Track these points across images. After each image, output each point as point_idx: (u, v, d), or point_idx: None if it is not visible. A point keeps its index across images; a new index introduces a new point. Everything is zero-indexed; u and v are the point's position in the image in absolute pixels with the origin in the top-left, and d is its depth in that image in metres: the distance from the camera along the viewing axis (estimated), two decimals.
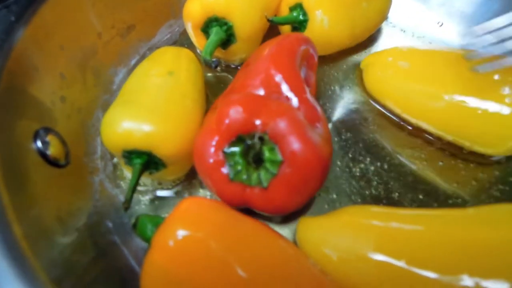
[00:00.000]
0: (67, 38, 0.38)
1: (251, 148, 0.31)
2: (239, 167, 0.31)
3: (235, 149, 0.31)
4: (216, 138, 0.30)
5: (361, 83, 0.46)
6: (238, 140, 0.31)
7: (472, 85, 0.37)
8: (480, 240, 0.29)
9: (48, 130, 0.33)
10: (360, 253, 0.30)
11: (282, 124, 0.29)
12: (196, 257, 0.26)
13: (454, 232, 0.30)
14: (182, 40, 0.49)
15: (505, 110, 0.36)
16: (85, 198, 0.34)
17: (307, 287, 0.27)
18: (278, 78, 0.33)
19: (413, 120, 0.42)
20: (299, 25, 0.45)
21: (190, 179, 0.38)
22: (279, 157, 0.30)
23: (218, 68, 0.47)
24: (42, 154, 0.32)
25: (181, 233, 0.26)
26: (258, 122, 0.30)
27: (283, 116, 0.29)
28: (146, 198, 0.37)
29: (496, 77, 0.37)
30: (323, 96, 0.46)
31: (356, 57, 0.49)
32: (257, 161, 0.31)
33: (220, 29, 0.41)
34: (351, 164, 0.40)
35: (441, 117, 0.39)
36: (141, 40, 0.46)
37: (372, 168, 0.40)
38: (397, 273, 0.29)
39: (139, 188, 0.37)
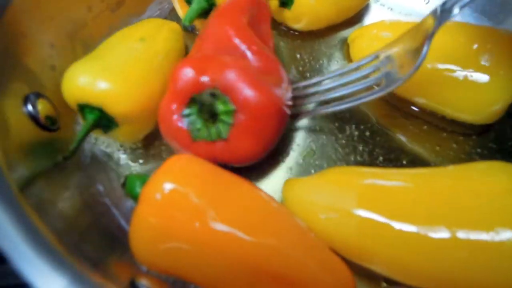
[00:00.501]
0: (57, 9, 0.38)
1: (206, 106, 0.32)
2: (198, 126, 0.33)
3: (192, 110, 0.32)
4: (173, 102, 0.32)
5: (348, 57, 0.47)
6: (193, 100, 0.32)
7: (453, 54, 0.38)
8: (459, 194, 0.30)
9: (38, 95, 0.34)
10: (344, 209, 0.31)
11: (230, 76, 0.31)
12: (182, 209, 0.27)
13: (434, 187, 0.31)
14: (172, 17, 0.50)
15: (484, 78, 0.37)
16: (76, 162, 0.35)
17: (291, 238, 0.28)
18: (227, 35, 0.34)
19: (397, 91, 0.43)
20: (286, 0, 0.46)
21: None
22: (231, 106, 0.31)
23: None
24: (33, 117, 0.32)
25: (167, 186, 0.27)
26: (206, 78, 0.31)
27: (230, 68, 0.31)
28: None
29: (475, 46, 0.38)
30: (312, 69, 0.46)
31: (344, 33, 0.50)
32: (214, 116, 0.32)
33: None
34: (336, 132, 0.41)
35: (423, 85, 0.40)
36: (131, 16, 0.47)
37: (357, 135, 0.41)
38: (377, 227, 0.30)
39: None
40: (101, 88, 0.33)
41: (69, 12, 0.40)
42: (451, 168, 0.33)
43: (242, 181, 0.30)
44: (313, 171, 0.39)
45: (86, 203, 0.32)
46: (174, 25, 0.43)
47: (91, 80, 0.33)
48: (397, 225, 0.29)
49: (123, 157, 0.38)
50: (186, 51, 0.44)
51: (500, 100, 0.38)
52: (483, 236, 0.28)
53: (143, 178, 0.30)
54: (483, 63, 0.37)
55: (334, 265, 0.30)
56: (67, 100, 0.35)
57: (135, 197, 0.30)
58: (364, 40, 0.45)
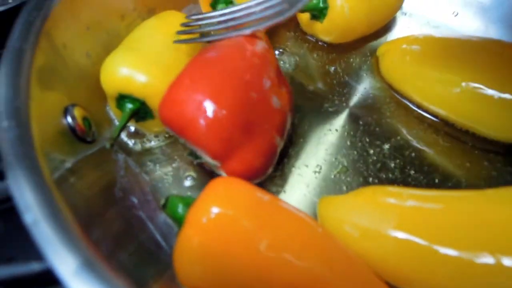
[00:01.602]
0: (92, 19, 0.38)
1: None
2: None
3: None
4: None
5: (377, 70, 0.47)
6: None
7: (488, 72, 0.38)
8: (499, 219, 0.30)
9: (75, 107, 0.34)
10: (381, 231, 0.31)
11: None
12: (228, 234, 0.27)
13: (473, 211, 0.31)
14: None
15: None
16: (111, 174, 0.35)
17: (337, 263, 0.28)
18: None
19: (428, 106, 0.43)
20: (319, 13, 0.45)
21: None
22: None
23: None
24: (72, 129, 0.32)
25: (214, 210, 0.27)
26: None
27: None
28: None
29: (506, 69, 0.38)
30: (340, 82, 0.46)
31: (372, 45, 0.50)
32: None
33: (224, 6, 0.42)
34: (368, 148, 0.41)
35: (457, 103, 0.40)
36: None
37: (389, 152, 0.41)
38: (418, 251, 0.30)
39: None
40: (145, 81, 0.34)
41: (103, 22, 0.40)
42: (490, 191, 0.32)
43: (287, 205, 0.30)
44: (345, 188, 0.39)
45: (123, 216, 0.33)
46: None
47: (135, 71, 0.34)
48: (438, 249, 0.29)
49: (154, 167, 0.38)
50: None
51: None
52: None
53: (185, 200, 0.30)
54: None
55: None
56: (105, 89, 0.36)
57: (177, 219, 0.30)
58: (395, 55, 0.44)
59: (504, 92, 0.38)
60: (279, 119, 0.35)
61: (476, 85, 0.39)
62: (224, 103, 0.30)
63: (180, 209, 0.29)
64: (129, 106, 0.35)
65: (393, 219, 0.31)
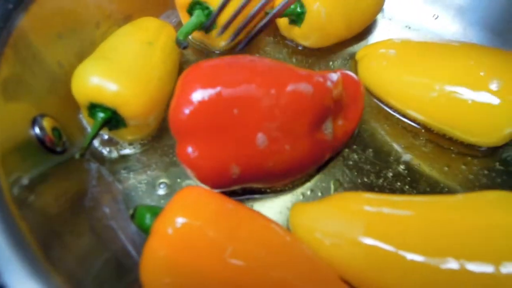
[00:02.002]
0: (65, 27, 0.38)
1: None
2: None
3: None
4: None
5: (356, 73, 0.47)
6: None
7: (463, 76, 0.38)
8: (467, 225, 0.30)
9: (45, 117, 0.34)
10: (351, 237, 0.31)
11: None
12: (194, 244, 0.27)
13: (442, 217, 0.31)
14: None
15: (494, 101, 0.37)
16: (82, 184, 0.35)
17: (304, 272, 0.28)
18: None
19: (406, 111, 0.43)
20: (296, 18, 0.45)
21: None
22: None
23: (204, 53, 0.48)
24: (40, 140, 0.32)
25: (180, 221, 0.27)
26: None
27: None
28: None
29: (485, 69, 0.38)
30: None
31: (351, 49, 0.50)
32: None
33: (201, 12, 0.42)
34: (345, 153, 0.41)
35: (433, 107, 0.40)
36: None
37: (364, 157, 0.41)
38: (385, 257, 0.30)
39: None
40: (116, 90, 0.34)
41: (77, 30, 0.39)
42: (460, 197, 0.32)
43: (254, 214, 0.30)
44: (320, 194, 0.39)
45: (93, 228, 0.32)
46: (171, 30, 0.44)
47: (105, 80, 0.34)
48: (406, 255, 0.29)
49: (128, 176, 0.38)
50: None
51: (510, 124, 0.38)
52: (492, 269, 0.28)
53: (153, 210, 0.30)
54: (492, 87, 0.37)
55: None
56: (77, 98, 0.36)
57: (144, 229, 0.29)
58: (373, 59, 0.44)
59: (479, 97, 0.38)
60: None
61: (452, 89, 0.38)
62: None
63: (148, 219, 0.29)
64: (101, 115, 0.35)
65: (362, 225, 0.31)
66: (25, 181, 0.29)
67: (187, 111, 0.31)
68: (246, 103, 0.32)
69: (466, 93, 0.38)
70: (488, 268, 0.28)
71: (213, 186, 0.33)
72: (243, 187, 0.36)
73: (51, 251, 0.25)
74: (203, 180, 0.33)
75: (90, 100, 0.35)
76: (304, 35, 0.47)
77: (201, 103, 0.31)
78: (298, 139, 0.34)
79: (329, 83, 0.35)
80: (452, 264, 0.28)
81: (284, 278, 0.27)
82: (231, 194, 0.34)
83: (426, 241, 0.29)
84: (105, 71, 0.35)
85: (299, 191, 0.39)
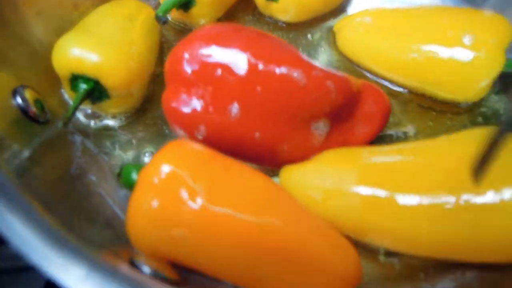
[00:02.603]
0: (44, 5, 0.38)
1: None
2: None
3: None
4: None
5: (335, 46, 0.48)
6: None
7: (436, 35, 0.39)
8: (455, 161, 0.30)
9: (27, 88, 0.34)
10: (343, 189, 0.31)
11: None
12: (180, 192, 0.26)
13: (430, 157, 0.31)
14: None
15: (467, 56, 0.38)
16: (68, 156, 0.35)
17: (291, 216, 0.28)
18: None
19: (386, 75, 0.44)
20: None
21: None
22: None
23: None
24: (23, 110, 0.32)
25: (165, 169, 0.27)
26: None
27: None
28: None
29: (457, 26, 0.39)
30: None
31: (330, 23, 0.50)
32: None
33: None
34: None
35: (412, 68, 0.41)
36: None
37: None
38: (382, 202, 0.30)
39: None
40: (98, 60, 0.34)
41: (55, 9, 0.40)
42: (444, 137, 0.33)
43: (240, 164, 0.30)
44: None
45: (81, 193, 0.32)
46: (151, 11, 0.44)
47: (87, 51, 0.34)
48: (400, 197, 0.30)
49: (113, 148, 0.38)
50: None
51: (484, 78, 0.39)
52: (486, 198, 0.28)
53: (139, 167, 0.30)
54: (465, 42, 0.38)
55: (337, 240, 0.29)
56: (58, 70, 0.35)
57: (131, 186, 0.29)
58: (350, 28, 0.45)
59: (454, 53, 0.39)
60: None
61: (428, 48, 0.40)
62: None
63: (134, 175, 0.29)
64: (83, 86, 0.35)
65: (355, 175, 0.31)
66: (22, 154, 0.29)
67: (178, 60, 0.32)
68: (231, 69, 0.32)
69: (442, 51, 0.39)
70: (484, 198, 0.28)
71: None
72: None
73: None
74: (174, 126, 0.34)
75: (71, 71, 0.35)
76: (282, 10, 0.47)
77: (193, 55, 0.32)
78: (276, 126, 0.33)
79: (329, 83, 0.33)
80: (447, 199, 0.29)
81: (271, 222, 0.27)
82: None
83: (419, 182, 0.30)
84: (86, 42, 0.35)
85: None
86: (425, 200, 0.29)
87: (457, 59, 0.38)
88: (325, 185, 0.32)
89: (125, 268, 0.25)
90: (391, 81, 0.44)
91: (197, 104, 0.33)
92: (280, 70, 0.32)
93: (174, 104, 0.33)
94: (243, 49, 0.32)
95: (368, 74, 0.45)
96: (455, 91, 0.41)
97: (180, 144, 0.29)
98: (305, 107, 0.33)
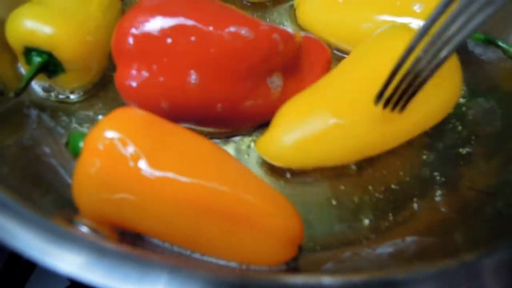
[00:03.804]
0: None
1: None
2: None
3: None
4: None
5: (296, 22, 0.48)
6: None
7: (389, 3, 0.41)
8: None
9: None
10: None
11: None
12: (122, 157, 0.27)
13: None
14: None
15: (420, 23, 0.38)
16: (22, 128, 0.35)
17: (230, 176, 0.29)
18: None
19: (344, 45, 0.44)
20: None
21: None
22: None
23: None
24: None
25: (109, 135, 0.28)
26: None
27: None
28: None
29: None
30: None
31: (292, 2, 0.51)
32: None
33: None
34: None
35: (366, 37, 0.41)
36: None
37: None
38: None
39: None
40: (51, 32, 0.34)
41: None
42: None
43: (183, 128, 0.31)
44: None
45: (30, 162, 0.33)
46: None
47: (41, 23, 0.34)
48: None
49: (70, 122, 0.39)
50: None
51: None
52: None
53: (86, 135, 0.30)
54: (416, 10, 0.39)
55: (279, 200, 0.30)
56: (12, 43, 0.36)
57: (78, 154, 0.30)
58: (308, 3, 0.46)
59: (406, 21, 0.40)
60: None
61: (380, 18, 0.41)
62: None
63: (81, 144, 0.30)
64: (37, 59, 0.36)
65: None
66: None
67: (124, 36, 0.32)
68: (181, 36, 0.33)
69: (394, 20, 0.40)
70: None
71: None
72: None
73: None
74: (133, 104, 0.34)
75: (24, 43, 0.35)
76: None
77: (138, 29, 0.32)
78: (235, 86, 0.34)
79: (275, 36, 0.35)
80: None
81: (210, 183, 0.28)
82: None
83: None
84: (40, 15, 0.35)
85: None
86: None
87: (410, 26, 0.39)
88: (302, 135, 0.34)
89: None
90: (347, 52, 0.45)
91: (153, 78, 0.33)
92: (228, 29, 0.33)
93: (128, 82, 0.34)
94: (189, 15, 0.33)
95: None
96: None
97: (123, 111, 0.30)
98: (258, 62, 0.35)
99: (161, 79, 0.33)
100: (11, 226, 0.24)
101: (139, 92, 0.34)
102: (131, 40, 0.33)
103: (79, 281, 0.22)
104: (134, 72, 0.33)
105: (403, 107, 0.32)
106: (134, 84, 0.33)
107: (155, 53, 0.33)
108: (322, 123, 0.34)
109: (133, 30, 0.33)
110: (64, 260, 0.22)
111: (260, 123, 0.39)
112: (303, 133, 0.34)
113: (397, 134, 0.35)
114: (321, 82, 0.37)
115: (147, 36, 0.33)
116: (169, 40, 0.33)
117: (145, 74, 0.33)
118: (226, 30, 0.33)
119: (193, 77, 0.33)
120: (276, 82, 0.37)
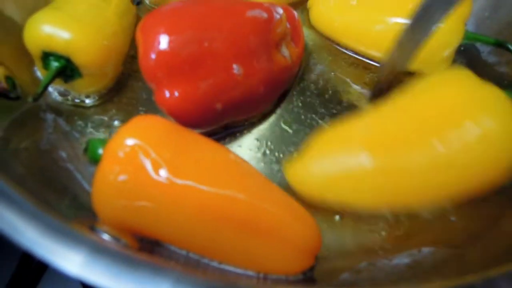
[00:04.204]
0: None
1: None
2: None
3: None
4: None
5: (309, 23, 0.48)
6: None
7: (401, 6, 0.40)
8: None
9: None
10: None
11: None
12: (143, 165, 0.27)
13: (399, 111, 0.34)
14: None
15: None
16: (38, 132, 0.36)
17: (251, 186, 0.29)
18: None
19: (356, 46, 0.45)
20: None
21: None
22: None
23: None
24: None
25: (129, 142, 0.28)
26: None
27: None
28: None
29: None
30: None
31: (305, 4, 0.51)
32: None
33: None
34: (301, 87, 0.43)
35: (378, 39, 0.42)
36: None
37: (318, 92, 0.43)
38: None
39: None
40: (69, 37, 0.35)
41: None
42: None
43: (202, 137, 0.31)
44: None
45: (46, 166, 0.33)
46: None
47: (59, 28, 0.35)
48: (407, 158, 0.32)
49: (86, 126, 0.39)
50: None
51: (446, 47, 0.40)
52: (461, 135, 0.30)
53: (105, 141, 0.30)
54: None
55: (297, 210, 0.30)
56: (30, 47, 0.36)
57: (97, 160, 0.30)
58: (321, 4, 0.46)
59: None
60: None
61: (392, 20, 0.41)
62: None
63: (100, 150, 0.30)
64: (54, 64, 0.36)
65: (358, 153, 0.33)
66: None
67: (153, 56, 0.33)
68: (213, 36, 0.34)
69: (406, 22, 0.40)
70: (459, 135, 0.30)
71: (196, 126, 0.35)
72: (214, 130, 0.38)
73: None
74: (185, 122, 0.34)
75: (42, 48, 0.35)
76: None
77: (168, 45, 0.32)
78: (266, 61, 0.37)
79: (275, 12, 0.39)
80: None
81: (231, 192, 0.28)
82: None
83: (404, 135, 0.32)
84: (58, 20, 0.35)
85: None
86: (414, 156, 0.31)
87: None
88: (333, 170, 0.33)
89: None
90: (359, 53, 0.45)
91: (201, 84, 0.34)
92: (248, 14, 0.37)
93: (174, 99, 0.34)
94: (210, 15, 0.35)
95: (339, 47, 0.46)
96: (420, 61, 0.42)
97: (144, 118, 0.30)
98: (274, 36, 0.38)
99: (211, 81, 0.34)
100: (21, 224, 0.24)
101: (191, 103, 0.34)
102: (159, 62, 0.33)
103: (86, 282, 0.22)
104: (168, 93, 0.34)
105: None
106: (181, 97, 0.34)
107: (194, 62, 0.33)
108: (355, 160, 0.32)
109: (162, 52, 0.33)
110: (71, 261, 0.23)
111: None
112: (332, 165, 0.33)
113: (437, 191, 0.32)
114: (363, 116, 0.36)
115: (176, 53, 0.33)
116: (206, 44, 0.34)
117: (188, 87, 0.34)
118: (245, 16, 0.36)
119: (236, 69, 0.35)
120: (286, 52, 0.40)
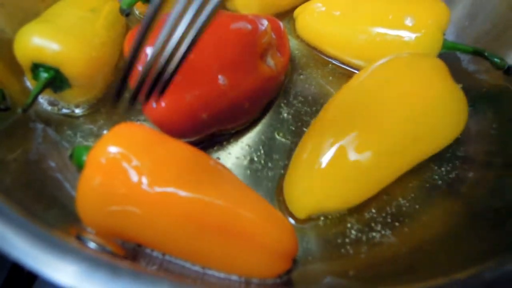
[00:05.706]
0: None
1: None
2: None
3: None
4: None
5: (295, 32, 0.50)
6: None
7: (383, 17, 0.42)
8: None
9: None
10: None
11: None
12: (124, 172, 0.28)
13: None
14: None
15: (411, 36, 0.41)
16: (28, 142, 0.36)
17: (229, 192, 0.30)
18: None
19: (341, 56, 0.46)
20: None
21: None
22: None
23: None
24: None
25: (112, 150, 0.28)
26: None
27: None
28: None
29: (397, 9, 0.42)
30: None
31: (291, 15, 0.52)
32: None
33: None
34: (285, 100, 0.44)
35: (361, 48, 0.44)
36: None
37: (302, 101, 0.44)
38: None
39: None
40: (58, 49, 0.36)
41: (21, 0, 0.41)
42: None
43: (184, 145, 0.32)
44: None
45: (35, 176, 0.33)
46: (116, 4, 0.45)
47: (48, 40, 0.36)
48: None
49: (75, 136, 0.40)
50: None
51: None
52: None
53: (89, 148, 0.31)
54: (407, 24, 0.41)
55: (273, 215, 0.31)
56: (20, 59, 0.37)
57: (82, 166, 0.31)
58: (307, 15, 0.47)
59: (399, 34, 0.42)
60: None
61: (374, 30, 0.42)
62: None
63: (84, 157, 0.30)
64: (44, 75, 0.37)
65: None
66: None
67: (141, 67, 0.33)
68: (198, 48, 0.34)
69: (387, 32, 0.42)
70: None
71: (182, 135, 0.36)
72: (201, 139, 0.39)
73: None
74: (172, 131, 0.35)
75: (32, 59, 0.36)
76: (246, 5, 0.49)
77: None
78: (251, 72, 0.38)
79: (259, 24, 0.40)
80: None
81: (211, 198, 0.29)
82: None
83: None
84: (48, 32, 0.36)
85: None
86: None
87: (401, 39, 0.41)
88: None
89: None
90: (344, 63, 0.46)
91: (187, 95, 0.35)
92: (232, 27, 0.38)
93: (160, 110, 0.35)
94: None
95: (324, 57, 0.48)
96: None
97: (126, 126, 0.31)
98: (259, 47, 0.39)
99: (197, 92, 0.35)
100: (10, 236, 0.24)
101: (177, 113, 0.35)
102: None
103: None
104: (155, 104, 0.35)
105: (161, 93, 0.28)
106: (168, 107, 0.35)
107: (180, 73, 0.34)
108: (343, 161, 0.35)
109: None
110: (62, 271, 0.23)
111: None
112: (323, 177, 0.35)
113: (408, 162, 0.37)
114: (329, 114, 0.38)
115: None
116: (191, 56, 0.33)
117: (175, 96, 0.34)
118: (230, 28, 0.38)
119: (221, 80, 0.36)
120: (271, 61, 0.41)
